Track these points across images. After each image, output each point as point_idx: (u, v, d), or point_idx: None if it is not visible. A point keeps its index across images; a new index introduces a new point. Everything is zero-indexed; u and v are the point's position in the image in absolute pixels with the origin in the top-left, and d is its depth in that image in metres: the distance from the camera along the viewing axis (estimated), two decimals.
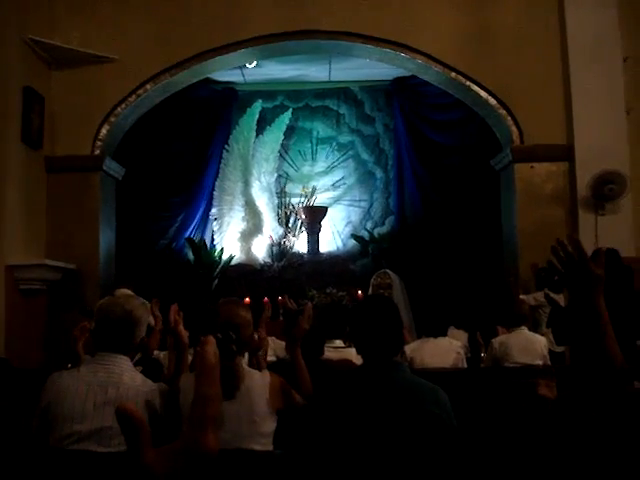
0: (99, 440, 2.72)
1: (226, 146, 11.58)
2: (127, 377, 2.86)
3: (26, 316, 7.30)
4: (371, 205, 11.97)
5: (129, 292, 6.26)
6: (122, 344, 2.91)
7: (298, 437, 2.81)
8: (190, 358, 3.45)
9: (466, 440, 2.68)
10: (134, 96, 8.32)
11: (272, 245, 11.48)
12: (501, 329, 6.12)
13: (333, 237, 11.91)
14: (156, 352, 4.58)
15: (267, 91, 11.94)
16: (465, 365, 5.78)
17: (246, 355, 3.46)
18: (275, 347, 5.61)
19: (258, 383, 2.89)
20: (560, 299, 6.95)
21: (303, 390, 3.25)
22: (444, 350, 5.71)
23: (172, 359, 3.62)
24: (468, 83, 8.30)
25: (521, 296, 7.22)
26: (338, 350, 4.96)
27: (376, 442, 2.46)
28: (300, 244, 11.63)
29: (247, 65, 10.39)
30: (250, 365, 3.33)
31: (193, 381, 2.94)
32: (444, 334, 5.92)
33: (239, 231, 11.45)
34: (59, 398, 2.79)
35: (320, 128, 12.13)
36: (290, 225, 11.77)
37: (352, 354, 4.79)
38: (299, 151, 12.13)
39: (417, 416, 2.46)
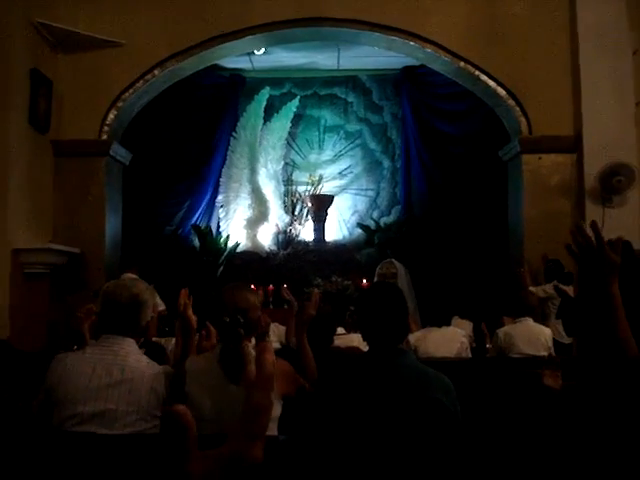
0: (102, 422, 2.72)
1: (233, 133, 11.57)
2: (132, 359, 2.86)
3: (30, 299, 7.31)
4: (378, 194, 11.94)
5: (134, 276, 6.30)
6: (128, 327, 2.92)
7: (303, 423, 2.81)
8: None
9: (470, 428, 2.68)
10: (142, 82, 8.30)
11: (278, 233, 11.47)
12: (507, 319, 6.11)
13: (339, 226, 11.90)
14: (155, 339, 4.59)
15: (275, 78, 11.90)
16: (469, 354, 5.79)
17: (253, 340, 3.46)
18: (279, 333, 5.63)
19: None
20: (570, 290, 6.95)
21: (308, 375, 3.25)
22: (448, 339, 5.72)
23: (179, 343, 3.62)
24: (477, 73, 8.26)
25: (530, 288, 7.21)
26: (340, 337, 4.99)
27: (381, 428, 2.46)
28: (306, 232, 11.63)
29: (255, 52, 10.36)
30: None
31: (200, 363, 2.96)
32: (448, 324, 5.93)
33: (245, 218, 11.45)
34: (63, 379, 2.79)
35: (328, 116, 12.10)
36: (296, 213, 11.76)
37: (354, 340, 4.82)
38: (306, 139, 12.11)
39: (422, 403, 2.46)
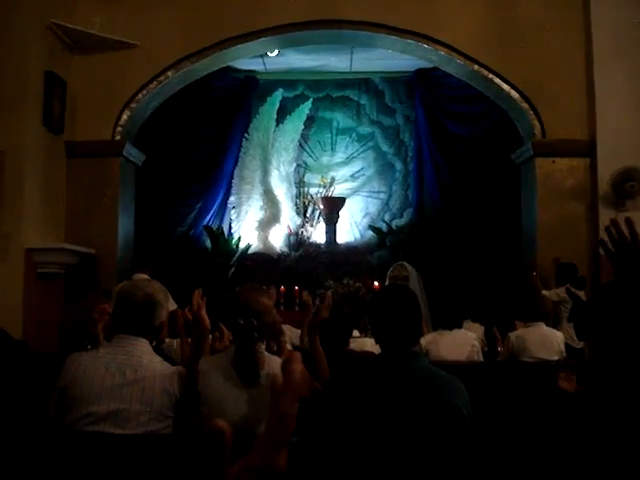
0: (116, 422, 2.72)
1: (246, 135, 11.59)
2: (146, 359, 2.87)
3: (43, 299, 7.34)
4: (390, 197, 11.94)
5: (146, 277, 6.30)
6: (142, 327, 2.92)
7: (315, 425, 2.81)
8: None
9: (483, 432, 2.67)
10: (155, 83, 8.33)
11: (289, 235, 11.48)
12: (519, 323, 6.08)
13: (351, 228, 11.90)
14: (168, 340, 4.58)
15: (288, 80, 11.93)
16: (481, 358, 5.77)
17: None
18: (291, 335, 5.62)
19: (277, 369, 2.89)
20: (582, 295, 6.91)
21: (320, 376, 3.25)
22: (459, 343, 5.70)
23: (186, 342, 3.63)
24: (491, 76, 8.25)
25: (543, 292, 7.18)
26: (354, 340, 4.97)
27: (393, 431, 2.45)
28: (317, 234, 11.64)
29: (268, 54, 10.38)
30: (268, 349, 3.34)
31: (213, 364, 2.96)
32: (460, 327, 5.91)
33: (257, 220, 11.46)
34: (77, 379, 2.80)
35: (340, 118, 12.11)
36: (308, 215, 11.76)
37: (367, 344, 4.80)
38: (318, 141, 12.11)
39: (435, 406, 2.45)
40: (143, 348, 2.90)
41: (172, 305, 4.72)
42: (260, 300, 2.97)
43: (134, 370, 2.81)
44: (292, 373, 1.26)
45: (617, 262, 2.07)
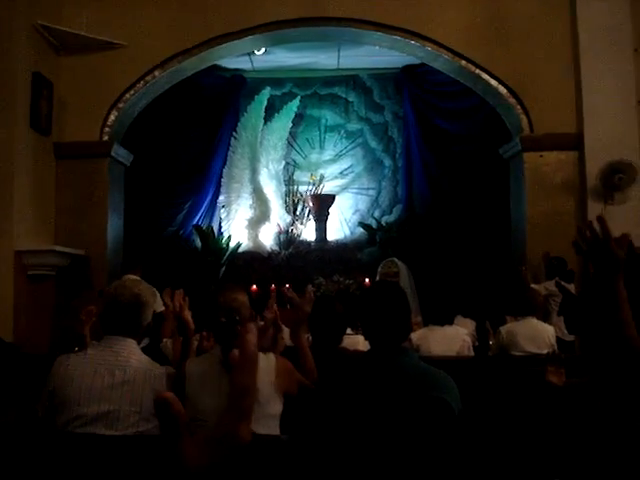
0: (106, 423, 2.72)
1: (234, 133, 11.56)
2: (134, 360, 2.87)
3: (34, 301, 7.32)
4: (379, 193, 11.95)
5: (136, 278, 6.28)
6: (130, 327, 2.92)
7: (305, 422, 2.81)
8: (195, 343, 3.47)
9: (473, 427, 2.68)
10: (142, 82, 8.31)
11: (279, 233, 11.47)
12: (509, 318, 6.09)
13: (341, 225, 11.90)
14: (165, 340, 4.58)
15: (275, 78, 11.91)
16: (471, 353, 5.77)
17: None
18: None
19: (263, 365, 2.90)
20: (571, 288, 6.92)
21: (308, 375, 3.26)
22: (450, 338, 5.70)
23: (177, 344, 3.64)
24: (478, 71, 8.26)
25: (532, 285, 7.20)
26: (347, 337, 4.97)
27: (384, 427, 2.46)
28: (307, 232, 11.63)
29: (256, 52, 10.36)
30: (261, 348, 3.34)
31: (200, 365, 2.97)
32: (451, 322, 5.91)
33: (247, 219, 11.45)
34: (66, 381, 2.79)
35: (328, 116, 12.10)
36: (298, 213, 11.75)
37: (359, 341, 4.81)
38: (307, 139, 12.11)
39: (425, 402, 2.46)
40: (131, 348, 2.90)
41: (160, 306, 4.72)
42: (236, 297, 3.05)
43: (123, 371, 2.81)
44: (246, 346, 1.27)
45: (591, 259, 2.09)
